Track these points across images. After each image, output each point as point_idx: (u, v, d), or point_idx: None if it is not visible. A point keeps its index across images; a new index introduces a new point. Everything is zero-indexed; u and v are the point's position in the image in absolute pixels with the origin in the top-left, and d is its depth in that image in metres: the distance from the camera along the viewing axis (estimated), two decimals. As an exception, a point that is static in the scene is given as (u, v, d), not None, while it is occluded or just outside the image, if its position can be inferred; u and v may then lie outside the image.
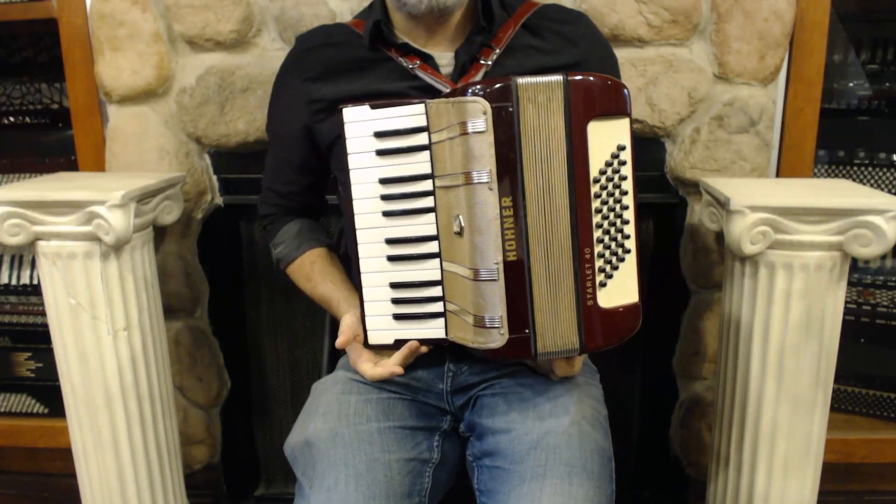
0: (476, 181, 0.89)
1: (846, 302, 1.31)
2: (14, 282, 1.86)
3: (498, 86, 0.88)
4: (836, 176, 1.72)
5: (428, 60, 1.07)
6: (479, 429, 1.07)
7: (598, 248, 0.91)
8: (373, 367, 1.05)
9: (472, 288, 0.92)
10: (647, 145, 1.52)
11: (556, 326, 0.91)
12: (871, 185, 1.71)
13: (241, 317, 1.78)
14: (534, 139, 0.88)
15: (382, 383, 1.11)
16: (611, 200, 0.91)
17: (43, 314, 1.53)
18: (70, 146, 1.69)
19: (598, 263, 0.91)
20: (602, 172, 0.90)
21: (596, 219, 0.91)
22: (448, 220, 0.95)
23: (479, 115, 0.88)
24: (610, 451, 1.03)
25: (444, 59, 1.08)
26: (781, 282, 1.23)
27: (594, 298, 0.91)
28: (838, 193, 1.26)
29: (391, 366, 1.03)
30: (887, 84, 1.68)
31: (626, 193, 0.91)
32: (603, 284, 0.92)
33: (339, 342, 1.04)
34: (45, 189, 1.29)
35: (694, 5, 1.44)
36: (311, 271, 1.19)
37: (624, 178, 0.91)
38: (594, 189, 0.90)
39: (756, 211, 1.20)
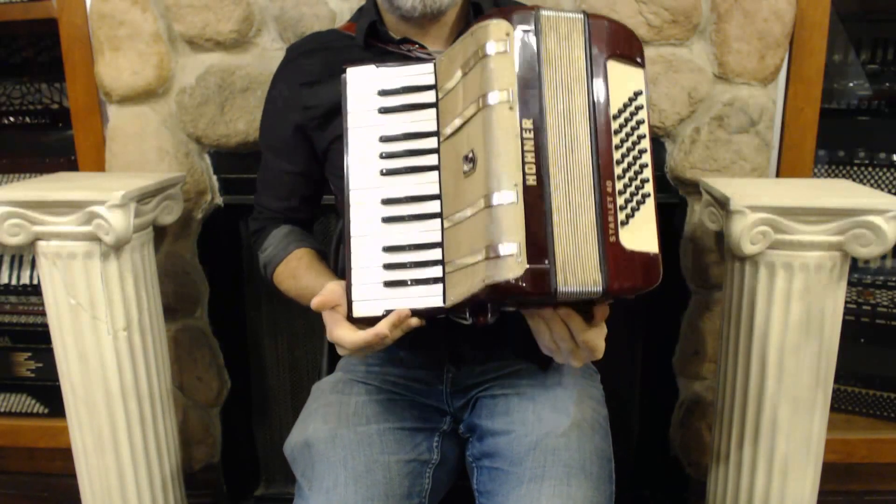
0: (495, 101, 0.84)
1: (846, 302, 1.31)
2: (14, 282, 1.86)
3: (520, 11, 0.86)
4: (836, 176, 1.72)
5: (425, 49, 1.08)
6: (478, 430, 1.07)
7: (619, 185, 0.86)
8: (352, 333, 0.89)
9: (485, 218, 0.84)
10: (647, 145, 1.52)
11: (577, 261, 0.83)
12: (871, 185, 1.71)
13: (241, 317, 1.78)
14: (555, 65, 0.85)
15: (382, 384, 1.11)
16: (629, 140, 0.88)
17: (43, 314, 1.53)
18: (70, 146, 1.69)
19: (620, 201, 0.86)
20: (621, 111, 0.87)
21: (616, 155, 0.86)
22: (454, 173, 0.90)
23: (501, 36, 0.84)
24: (609, 452, 1.03)
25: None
26: (781, 282, 1.23)
27: (616, 235, 0.85)
28: (838, 193, 1.26)
29: (382, 327, 0.87)
30: (887, 84, 1.68)
31: (643, 137, 0.88)
32: (624, 223, 0.86)
33: (314, 302, 0.92)
34: (45, 189, 1.29)
35: (694, 5, 1.44)
36: (297, 266, 1.14)
37: (641, 122, 0.88)
38: (614, 125, 0.87)
39: (756, 211, 1.20)
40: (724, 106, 1.49)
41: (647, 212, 0.87)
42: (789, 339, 1.25)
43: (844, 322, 1.29)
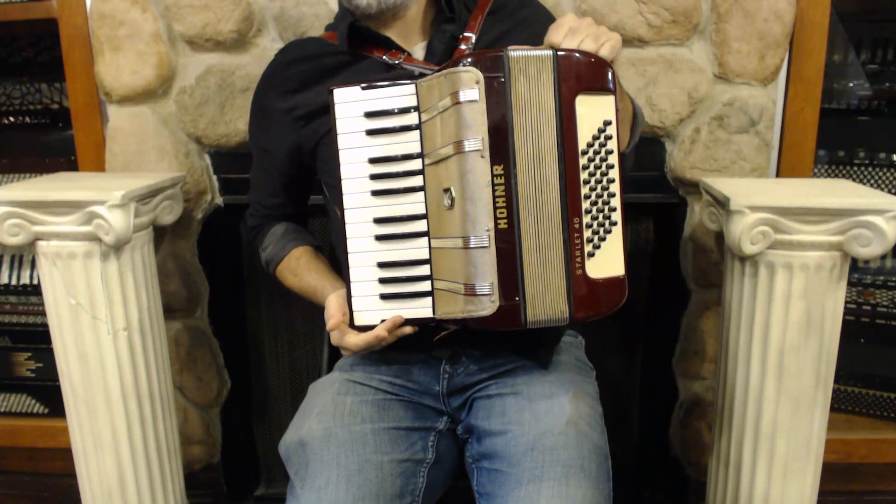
0: (468, 149, 0.91)
1: (846, 302, 1.31)
2: (14, 282, 1.86)
3: (490, 56, 0.90)
4: (836, 176, 1.72)
5: (411, 58, 1.10)
6: (476, 431, 1.07)
7: (586, 219, 0.93)
8: (355, 337, 1.00)
9: (462, 257, 0.93)
10: (648, 145, 1.52)
11: (546, 294, 0.93)
12: (871, 185, 1.71)
13: (241, 317, 1.78)
14: (525, 110, 0.90)
15: (378, 384, 1.11)
16: (598, 173, 0.93)
17: (43, 314, 1.53)
18: (70, 146, 1.69)
19: (587, 234, 0.93)
20: (589, 146, 0.92)
21: (584, 190, 0.93)
22: (437, 198, 0.96)
23: (472, 85, 0.90)
24: (607, 450, 1.03)
25: (416, 54, 1.11)
26: (781, 282, 1.23)
27: (583, 268, 0.93)
28: (838, 193, 1.26)
29: (380, 331, 0.98)
30: (887, 84, 1.68)
31: (612, 167, 0.93)
32: (591, 255, 0.94)
33: (330, 325, 1.01)
34: (45, 189, 1.29)
35: (694, 5, 1.44)
36: (297, 266, 1.20)
37: (610, 153, 0.93)
38: (582, 161, 0.92)
39: (756, 211, 1.20)
40: (724, 106, 1.49)
41: (615, 239, 0.94)
42: (789, 339, 1.25)
43: (844, 322, 1.29)
